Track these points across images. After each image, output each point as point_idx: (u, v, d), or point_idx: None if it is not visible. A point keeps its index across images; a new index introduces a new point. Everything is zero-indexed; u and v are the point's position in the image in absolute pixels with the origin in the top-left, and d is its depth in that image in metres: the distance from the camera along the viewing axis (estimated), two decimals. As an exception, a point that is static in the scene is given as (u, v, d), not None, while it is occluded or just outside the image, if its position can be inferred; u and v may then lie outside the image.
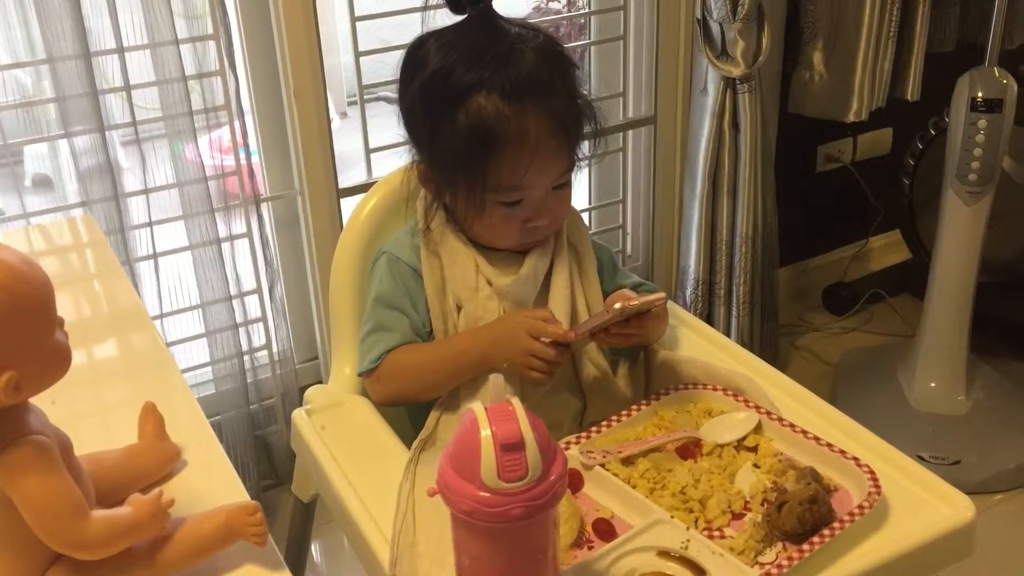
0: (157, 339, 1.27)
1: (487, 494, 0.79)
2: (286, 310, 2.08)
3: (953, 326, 2.22)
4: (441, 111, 1.13)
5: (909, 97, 2.43)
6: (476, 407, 0.80)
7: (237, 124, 1.85)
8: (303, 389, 1.32)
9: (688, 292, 2.38)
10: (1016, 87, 2.04)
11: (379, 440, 1.18)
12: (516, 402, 0.80)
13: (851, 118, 2.38)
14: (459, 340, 1.20)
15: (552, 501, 0.81)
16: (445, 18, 1.16)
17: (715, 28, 2.14)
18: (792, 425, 1.12)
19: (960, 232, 2.14)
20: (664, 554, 0.98)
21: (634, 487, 1.05)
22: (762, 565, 0.95)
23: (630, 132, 2.36)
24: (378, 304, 1.23)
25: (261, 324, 2.05)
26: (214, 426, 2.02)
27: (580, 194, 2.46)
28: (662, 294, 1.17)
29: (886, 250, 2.89)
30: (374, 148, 2.00)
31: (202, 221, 1.88)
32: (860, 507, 1.00)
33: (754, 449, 1.12)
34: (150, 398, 1.03)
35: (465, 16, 1.15)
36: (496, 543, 0.82)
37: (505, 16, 1.16)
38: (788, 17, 2.39)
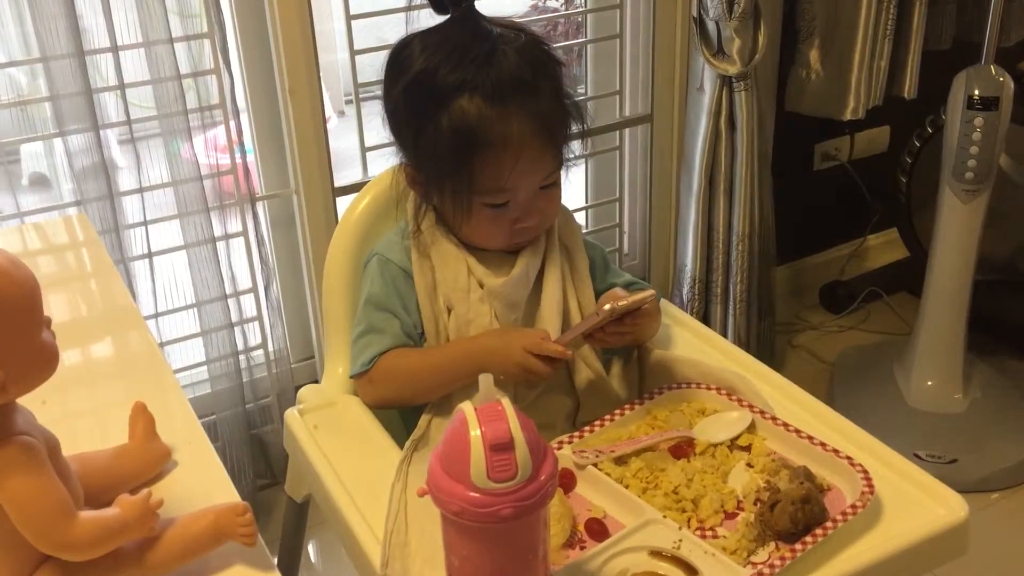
0: (150, 339, 1.26)
1: (476, 494, 0.79)
2: (282, 309, 2.08)
3: (950, 324, 2.22)
4: (424, 114, 1.13)
5: (906, 95, 2.43)
6: (466, 407, 0.80)
7: (232, 123, 1.85)
8: (299, 388, 1.31)
9: (685, 290, 2.38)
10: (1013, 85, 2.04)
11: (372, 440, 1.18)
12: (506, 402, 0.80)
13: (848, 116, 2.38)
14: (454, 348, 1.20)
15: (542, 501, 0.81)
16: (430, 19, 1.15)
17: (711, 26, 2.13)
18: (786, 424, 1.12)
19: (957, 230, 2.13)
20: (656, 554, 0.98)
21: (627, 487, 1.05)
22: (754, 565, 0.95)
23: (626, 130, 2.36)
24: (369, 306, 1.23)
25: (257, 323, 2.04)
26: (209, 426, 2.06)
27: (576, 192, 2.46)
28: (652, 291, 1.17)
29: (883, 248, 2.88)
30: (370, 147, 2.00)
31: (197, 220, 1.87)
32: (853, 506, 0.99)
33: (747, 448, 1.12)
34: (142, 398, 1.03)
35: (448, 17, 1.14)
36: (486, 543, 0.82)
37: (489, 16, 1.16)
38: (784, 15, 2.38)
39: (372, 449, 1.16)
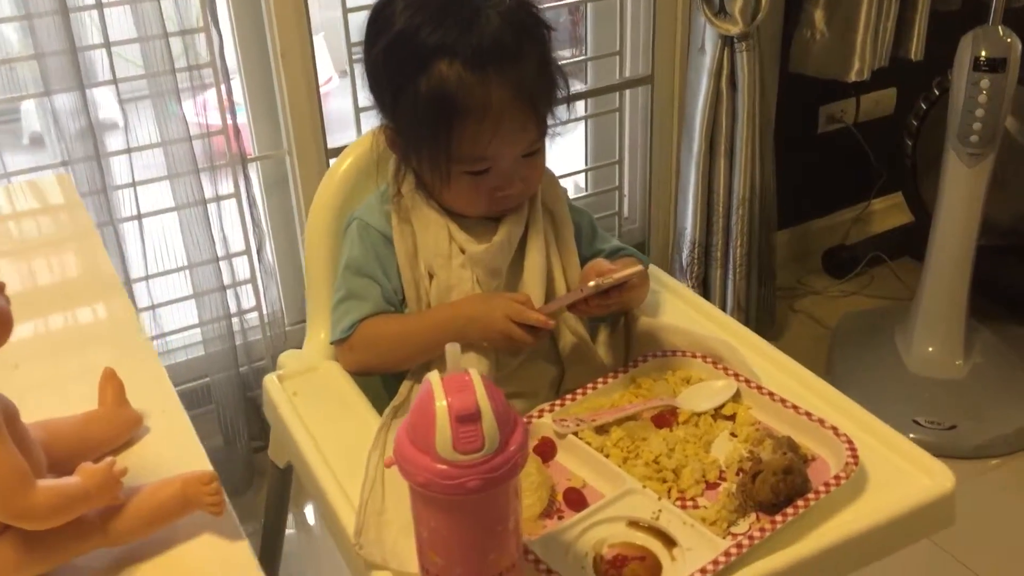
0: (128, 304, 1.25)
1: (443, 466, 0.77)
2: (276, 271, 2.06)
3: (952, 289, 2.19)
4: (404, 75, 1.09)
5: (913, 57, 2.39)
6: (432, 376, 0.78)
7: (222, 83, 1.82)
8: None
9: (684, 254, 2.35)
10: (1021, 46, 1.99)
11: (352, 407, 1.16)
12: (474, 372, 0.78)
13: (853, 78, 2.34)
14: (436, 314, 1.17)
15: (510, 473, 0.79)
16: None
17: (713, -15, 2.09)
18: (771, 394, 1.09)
19: (961, 194, 2.10)
20: (634, 524, 0.96)
21: (607, 456, 1.03)
22: (734, 536, 0.93)
23: (627, 92, 2.32)
24: (349, 271, 1.20)
25: (250, 286, 2.03)
26: (203, 388, 2.05)
27: (576, 155, 2.43)
28: (640, 267, 1.15)
29: (888, 213, 2.86)
30: (363, 108, 1.96)
31: (188, 181, 1.85)
32: (836, 477, 0.97)
33: (732, 418, 1.09)
34: (117, 365, 1.01)
35: None
36: (453, 515, 0.80)
37: None
38: (789, -27, 2.34)
39: (352, 416, 1.14)
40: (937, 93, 2.40)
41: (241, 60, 1.93)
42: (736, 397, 1.11)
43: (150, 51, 1.73)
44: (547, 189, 1.23)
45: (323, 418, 1.13)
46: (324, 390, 1.19)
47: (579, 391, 1.13)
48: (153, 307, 1.96)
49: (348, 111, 2.00)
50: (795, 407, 1.07)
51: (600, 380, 1.14)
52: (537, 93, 1.11)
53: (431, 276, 1.18)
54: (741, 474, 1.00)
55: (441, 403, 0.77)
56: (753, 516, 0.97)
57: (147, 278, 1.93)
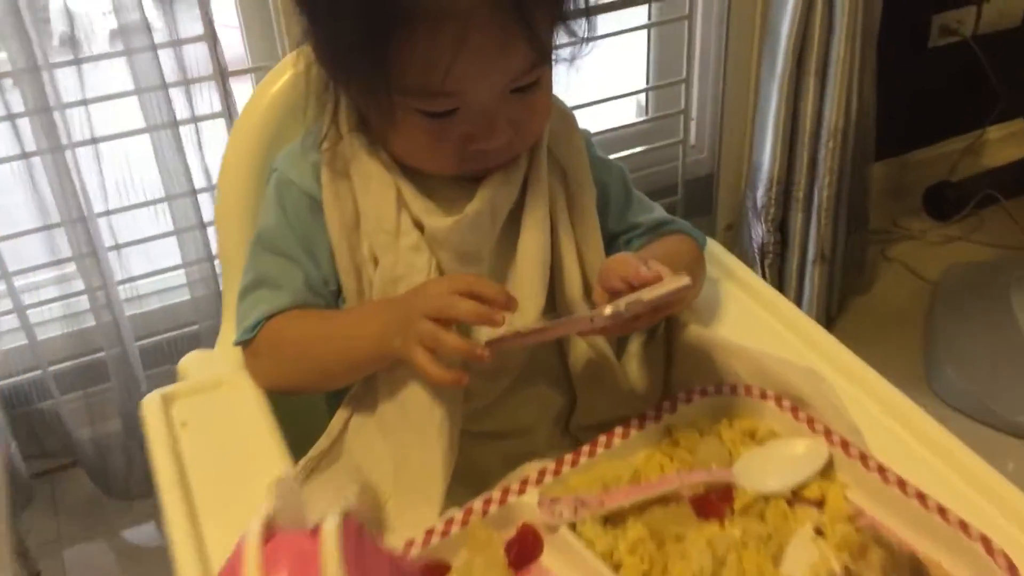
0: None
1: None
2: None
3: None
4: None
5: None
6: (249, 535, 0.45)
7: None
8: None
9: (759, 194, 2.05)
10: None
11: (260, 448, 0.82)
12: (329, 524, 0.44)
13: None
14: (360, 311, 0.84)
15: None
16: None
17: None
18: (883, 469, 0.73)
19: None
20: None
21: (618, 569, 0.69)
22: None
23: (698, -6, 2.00)
24: (261, 247, 0.87)
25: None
26: (191, 336, 1.79)
27: (635, 71, 2.11)
28: (686, 279, 0.76)
29: (1005, 143, 2.56)
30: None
31: (154, 98, 1.55)
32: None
33: (819, 504, 0.74)
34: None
35: None
36: None
37: None
38: None
39: (257, 465, 0.80)
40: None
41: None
42: (827, 470, 0.75)
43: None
44: (559, 136, 0.87)
45: (213, 465, 0.80)
46: (225, 419, 0.85)
47: (585, 449, 0.78)
48: (118, 247, 1.68)
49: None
50: (920, 495, 0.71)
51: (617, 431, 0.79)
52: None
53: (376, 261, 0.83)
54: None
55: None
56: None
57: (108, 213, 1.64)
